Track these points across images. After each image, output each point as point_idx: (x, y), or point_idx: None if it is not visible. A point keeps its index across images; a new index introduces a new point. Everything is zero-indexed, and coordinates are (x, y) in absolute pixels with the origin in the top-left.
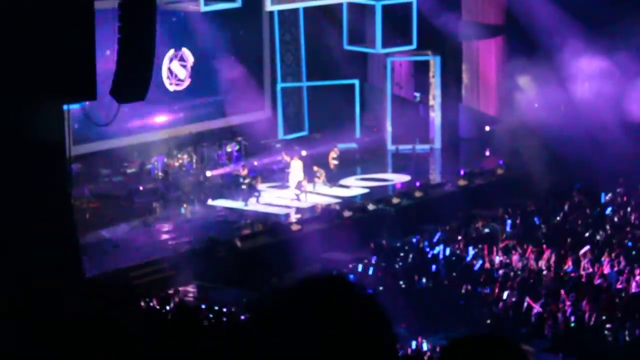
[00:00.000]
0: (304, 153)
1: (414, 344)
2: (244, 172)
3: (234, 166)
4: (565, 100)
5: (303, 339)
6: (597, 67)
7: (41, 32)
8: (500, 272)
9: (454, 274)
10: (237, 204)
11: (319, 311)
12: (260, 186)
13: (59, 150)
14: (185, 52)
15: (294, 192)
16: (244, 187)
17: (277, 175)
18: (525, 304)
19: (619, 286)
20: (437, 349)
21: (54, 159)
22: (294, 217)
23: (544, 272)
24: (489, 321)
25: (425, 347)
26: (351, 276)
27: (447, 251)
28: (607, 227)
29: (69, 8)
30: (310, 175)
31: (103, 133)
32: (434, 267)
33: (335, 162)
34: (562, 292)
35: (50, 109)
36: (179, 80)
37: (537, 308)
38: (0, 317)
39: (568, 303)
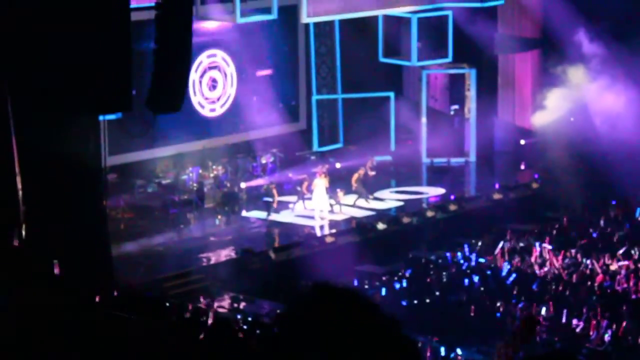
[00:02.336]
0: (338, 165)
1: (442, 349)
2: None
3: (269, 178)
4: (599, 113)
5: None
6: (631, 79)
7: (78, 44)
8: (535, 285)
9: (488, 288)
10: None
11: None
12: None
13: (95, 160)
14: (221, 63)
15: (326, 205)
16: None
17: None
18: (560, 318)
19: None
20: None
21: (89, 169)
22: (327, 229)
23: (580, 287)
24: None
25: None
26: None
27: (481, 264)
28: None
29: (106, 20)
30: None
31: (138, 144)
32: (467, 280)
33: (372, 172)
34: (594, 307)
35: (86, 119)
36: (213, 98)
37: (573, 323)
38: (35, 323)
39: (604, 322)
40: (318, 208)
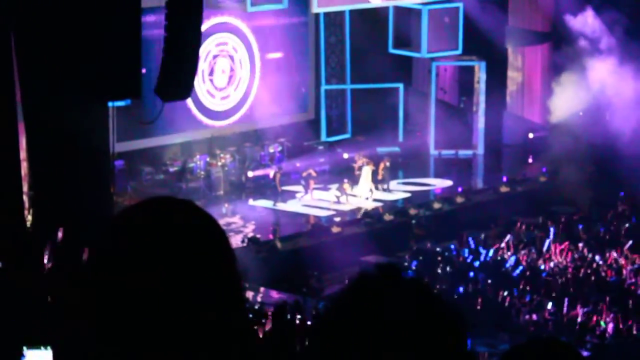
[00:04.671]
0: (345, 156)
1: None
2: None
3: (276, 166)
4: (610, 107)
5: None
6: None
7: (87, 30)
8: (542, 278)
9: (494, 280)
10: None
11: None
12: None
13: (103, 147)
14: (231, 51)
15: (366, 192)
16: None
17: (320, 178)
18: (566, 312)
19: None
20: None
21: (97, 155)
22: (335, 219)
23: (586, 281)
24: (531, 328)
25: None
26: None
27: (487, 257)
28: None
29: (116, 6)
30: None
31: (147, 131)
32: (472, 273)
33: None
34: (600, 302)
35: (95, 106)
36: (222, 86)
37: (579, 317)
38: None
39: (610, 315)
40: (360, 194)
